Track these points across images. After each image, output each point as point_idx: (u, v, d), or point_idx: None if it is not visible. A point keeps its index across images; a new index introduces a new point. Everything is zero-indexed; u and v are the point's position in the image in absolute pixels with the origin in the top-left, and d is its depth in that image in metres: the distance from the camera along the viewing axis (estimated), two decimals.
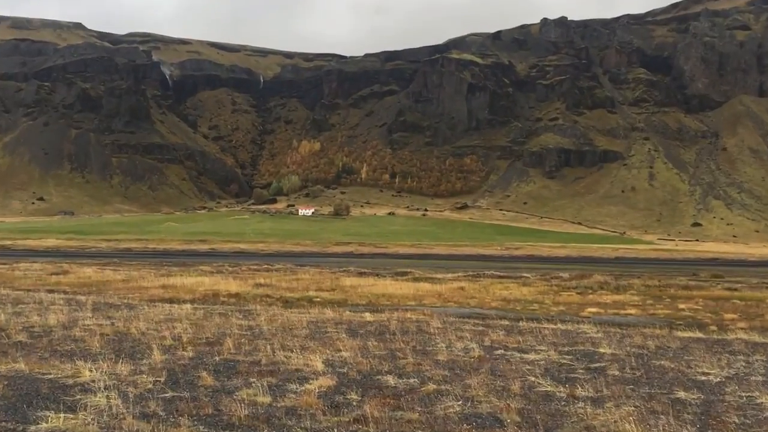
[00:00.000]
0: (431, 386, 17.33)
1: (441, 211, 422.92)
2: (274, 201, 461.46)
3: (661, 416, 15.05)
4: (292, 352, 21.53)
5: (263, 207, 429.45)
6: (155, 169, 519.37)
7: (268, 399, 15.87)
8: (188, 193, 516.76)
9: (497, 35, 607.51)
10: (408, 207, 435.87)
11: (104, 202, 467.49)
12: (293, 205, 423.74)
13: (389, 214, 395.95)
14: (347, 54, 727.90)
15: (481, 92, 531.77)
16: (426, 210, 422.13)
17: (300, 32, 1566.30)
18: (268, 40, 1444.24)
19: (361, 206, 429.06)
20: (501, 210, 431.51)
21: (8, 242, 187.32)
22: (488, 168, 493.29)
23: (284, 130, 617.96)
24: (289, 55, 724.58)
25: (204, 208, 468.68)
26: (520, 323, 31.75)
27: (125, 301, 40.54)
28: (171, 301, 43.23)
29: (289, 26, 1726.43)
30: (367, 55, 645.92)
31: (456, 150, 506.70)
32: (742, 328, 36.07)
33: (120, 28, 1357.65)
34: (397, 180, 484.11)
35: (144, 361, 20.03)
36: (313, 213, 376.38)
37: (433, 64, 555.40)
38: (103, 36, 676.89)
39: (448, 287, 62.95)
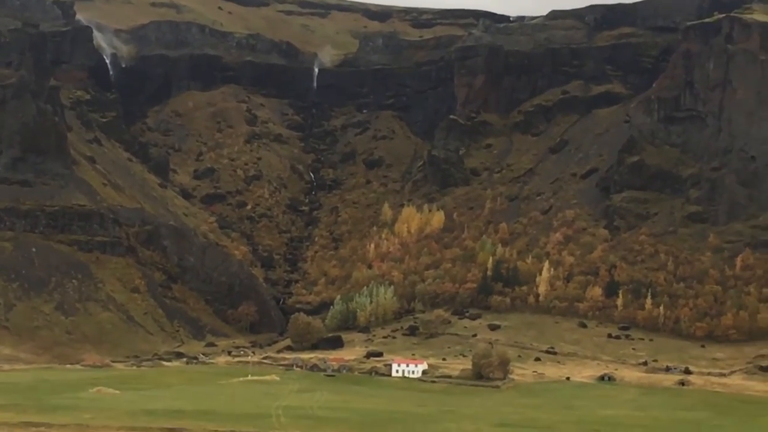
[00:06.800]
0: None
1: (723, 373, 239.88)
2: (337, 344, 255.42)
3: None
4: None
5: (312, 356, 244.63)
6: (74, 267, 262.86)
7: None
8: (144, 322, 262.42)
9: None
10: (646, 364, 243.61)
11: None
12: (380, 354, 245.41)
13: (601, 378, 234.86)
14: (504, 11, 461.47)
15: None
16: (688, 371, 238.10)
17: None
18: None
19: (537, 359, 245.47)
20: None
21: None
22: None
23: (363, 181, 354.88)
24: (378, 14, 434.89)
25: (179, 355, 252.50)
26: None
27: None
28: None
29: None
30: (552, 15, 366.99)
31: (757, 234, 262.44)
32: None
33: None
34: (620, 301, 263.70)
35: None
36: (424, 373, 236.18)
37: (704, 34, 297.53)
38: None
39: None
